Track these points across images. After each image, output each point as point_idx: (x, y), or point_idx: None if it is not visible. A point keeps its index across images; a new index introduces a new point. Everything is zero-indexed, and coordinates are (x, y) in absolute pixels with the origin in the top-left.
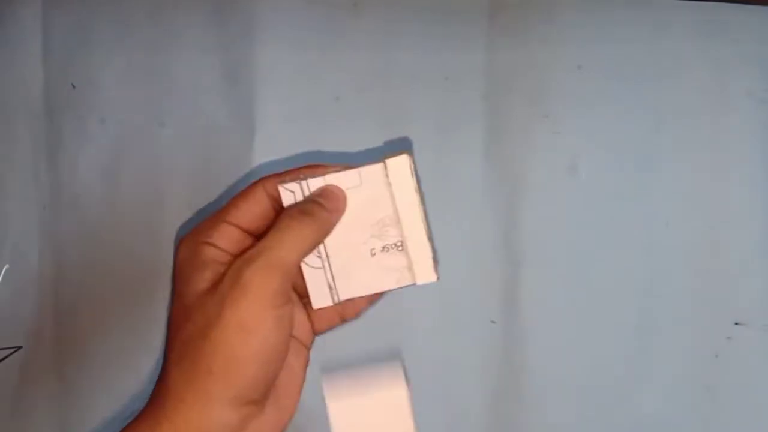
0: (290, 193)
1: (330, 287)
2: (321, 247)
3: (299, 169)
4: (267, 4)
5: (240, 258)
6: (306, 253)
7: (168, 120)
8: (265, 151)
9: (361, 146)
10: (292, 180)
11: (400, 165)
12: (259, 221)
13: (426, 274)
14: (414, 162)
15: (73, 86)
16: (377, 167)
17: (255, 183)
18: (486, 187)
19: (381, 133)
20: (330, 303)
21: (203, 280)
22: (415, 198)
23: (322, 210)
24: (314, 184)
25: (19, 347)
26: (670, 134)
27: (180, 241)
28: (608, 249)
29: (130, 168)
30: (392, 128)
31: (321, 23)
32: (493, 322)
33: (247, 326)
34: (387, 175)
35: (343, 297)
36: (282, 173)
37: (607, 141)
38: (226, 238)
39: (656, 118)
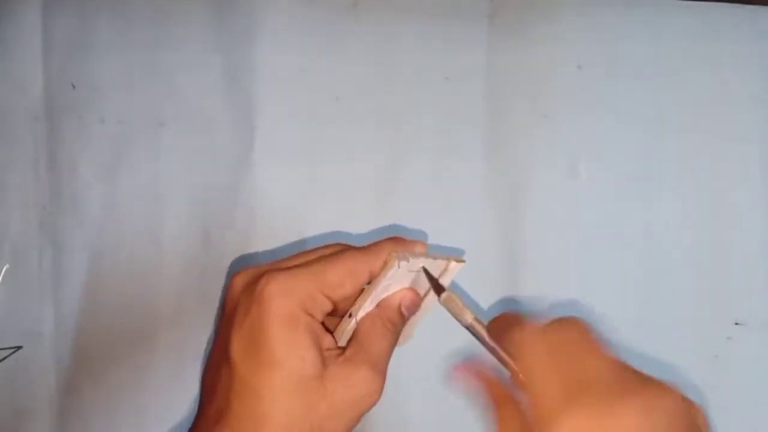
0: (398, 268)
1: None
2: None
3: (387, 242)
4: (267, 5)
5: (362, 363)
6: None
7: (168, 120)
8: (265, 151)
9: (361, 146)
10: (403, 258)
11: (455, 269)
12: (348, 296)
13: (403, 339)
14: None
15: (73, 86)
16: (443, 263)
17: (355, 258)
18: (486, 187)
19: (381, 133)
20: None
21: (314, 360)
22: (435, 302)
23: (402, 323)
24: (414, 263)
25: (19, 347)
26: (669, 134)
27: (275, 298)
28: (608, 249)
29: (130, 168)
30: (392, 128)
31: (321, 23)
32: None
33: (351, 426)
34: (444, 270)
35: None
36: (376, 249)
37: (607, 141)
38: (321, 311)
39: (656, 118)
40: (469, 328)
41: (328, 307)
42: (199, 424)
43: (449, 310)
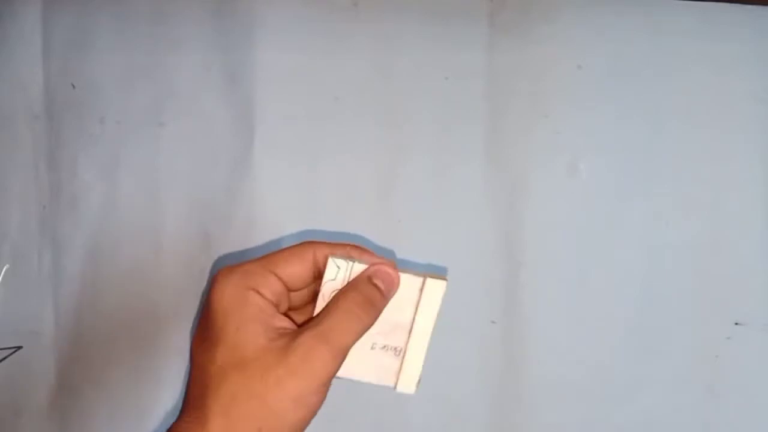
0: (336, 268)
1: None
2: None
3: (348, 246)
4: (267, 5)
5: (309, 333)
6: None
7: (168, 120)
8: (265, 151)
9: (361, 146)
10: (342, 256)
11: (436, 287)
12: (299, 280)
13: (408, 386)
14: (445, 291)
15: (73, 86)
16: (417, 279)
17: (306, 244)
18: (486, 187)
19: (381, 133)
20: None
21: (257, 333)
22: (432, 320)
23: (380, 296)
24: (358, 268)
25: (19, 347)
26: (670, 134)
27: (222, 280)
28: (608, 249)
29: (130, 168)
30: (392, 128)
31: (321, 23)
32: (493, 322)
33: (304, 401)
34: (421, 290)
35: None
36: (331, 244)
37: (607, 141)
38: (270, 289)
39: (656, 117)
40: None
41: (278, 285)
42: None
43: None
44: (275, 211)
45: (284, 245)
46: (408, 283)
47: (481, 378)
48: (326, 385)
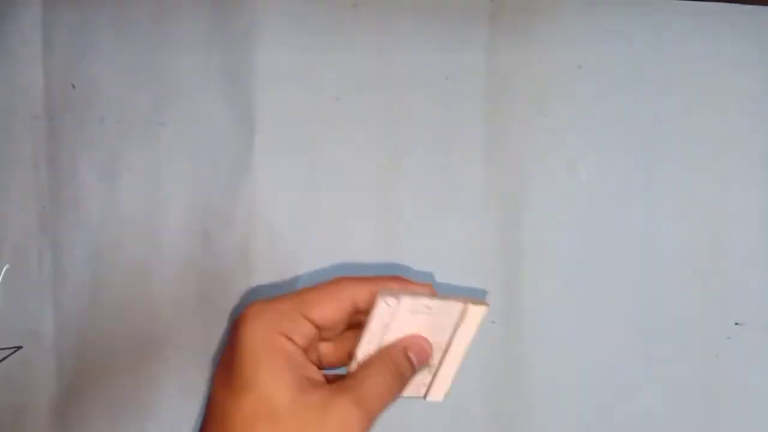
0: (386, 305)
1: None
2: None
3: (387, 279)
4: (267, 5)
5: (347, 398)
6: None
7: (168, 120)
8: (265, 151)
9: (361, 146)
10: (390, 292)
11: (477, 313)
12: (332, 323)
13: (436, 396)
14: (485, 315)
15: (73, 86)
16: (458, 305)
17: (341, 283)
18: (486, 186)
19: (381, 133)
20: None
21: (289, 385)
22: (469, 341)
23: (412, 371)
24: (406, 302)
25: (19, 347)
26: (669, 134)
27: (252, 320)
28: (608, 249)
29: (130, 168)
30: (392, 128)
31: (321, 23)
32: (493, 322)
33: None
34: (462, 314)
35: None
36: (368, 280)
37: (607, 141)
38: (301, 334)
39: (656, 118)
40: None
41: (310, 330)
42: None
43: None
44: (275, 211)
45: (284, 245)
46: (449, 309)
47: (482, 378)
48: None
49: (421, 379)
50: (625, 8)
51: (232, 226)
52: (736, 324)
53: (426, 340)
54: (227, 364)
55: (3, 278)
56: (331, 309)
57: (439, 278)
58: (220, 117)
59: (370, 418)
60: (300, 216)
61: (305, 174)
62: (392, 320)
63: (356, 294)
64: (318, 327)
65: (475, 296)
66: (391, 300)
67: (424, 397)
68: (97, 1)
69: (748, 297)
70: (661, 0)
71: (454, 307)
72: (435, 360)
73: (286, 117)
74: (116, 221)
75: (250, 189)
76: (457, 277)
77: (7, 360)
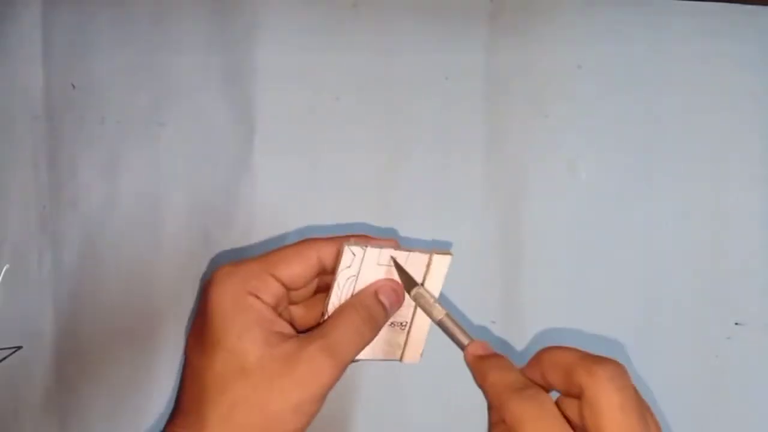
0: (352, 255)
1: None
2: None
3: (351, 236)
4: (267, 5)
5: (316, 345)
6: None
7: (168, 120)
8: (265, 151)
9: (361, 146)
10: (357, 243)
11: (442, 261)
12: (300, 280)
13: (413, 357)
14: (450, 263)
15: (73, 86)
16: (424, 256)
17: (307, 242)
18: (486, 186)
19: (381, 133)
20: None
21: (258, 340)
22: (437, 292)
23: (384, 314)
24: (372, 253)
25: (19, 347)
26: (669, 134)
27: (220, 282)
28: (608, 249)
29: (130, 168)
30: (392, 128)
31: (321, 23)
32: (493, 322)
33: (305, 409)
34: (428, 265)
35: None
36: (333, 239)
37: (607, 141)
38: (270, 293)
39: (656, 117)
40: (440, 324)
41: (278, 288)
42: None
43: (419, 306)
44: (275, 211)
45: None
46: (415, 260)
47: None
48: (326, 395)
49: (395, 339)
50: (625, 8)
51: (232, 226)
52: (736, 324)
53: (397, 282)
54: (199, 327)
55: (3, 278)
56: (297, 267)
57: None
58: (220, 117)
59: (341, 364)
60: (300, 216)
61: (305, 174)
62: (359, 273)
63: (322, 252)
64: (285, 286)
65: (440, 248)
66: (356, 249)
67: (401, 359)
68: (97, 1)
69: (748, 297)
70: (661, 0)
71: (419, 258)
72: (406, 316)
73: (286, 117)
74: (116, 221)
75: (250, 189)
76: (457, 277)
77: (7, 360)
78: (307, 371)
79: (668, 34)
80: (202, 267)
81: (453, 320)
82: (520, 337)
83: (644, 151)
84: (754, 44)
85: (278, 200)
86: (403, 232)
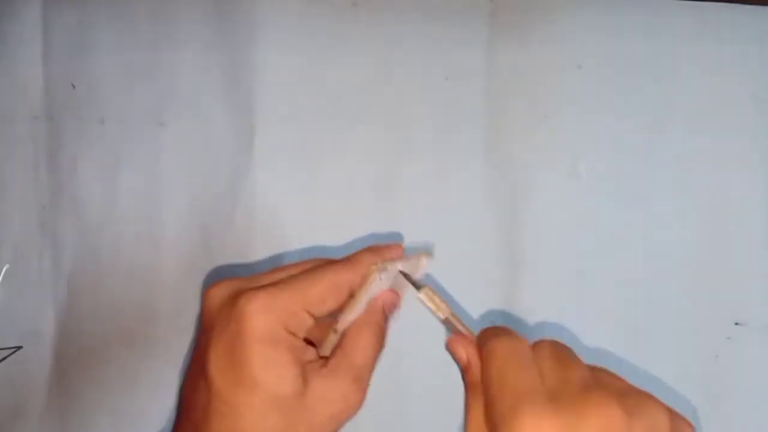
0: (379, 280)
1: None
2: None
3: (364, 252)
4: (267, 5)
5: (344, 377)
6: None
7: (168, 120)
8: (265, 152)
9: (361, 146)
10: (383, 269)
11: (424, 263)
12: (331, 311)
13: None
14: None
15: (73, 86)
16: (413, 261)
17: (338, 274)
18: (486, 187)
19: (381, 134)
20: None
21: (296, 379)
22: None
23: (387, 326)
24: (391, 271)
25: (19, 347)
26: (670, 134)
27: (256, 316)
28: (608, 249)
29: (130, 168)
30: (392, 128)
31: (321, 23)
32: (493, 322)
33: None
34: (415, 268)
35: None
36: (348, 261)
37: (607, 141)
38: (303, 328)
39: (656, 118)
40: (446, 323)
41: (310, 323)
42: None
43: (426, 305)
44: (275, 212)
45: (284, 244)
46: (408, 266)
47: None
48: None
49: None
50: (625, 8)
51: (232, 226)
52: (736, 324)
53: (395, 293)
54: (228, 356)
55: (3, 278)
56: (331, 304)
57: (440, 278)
58: (220, 117)
59: (366, 389)
60: (300, 216)
61: (305, 174)
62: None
63: (353, 282)
64: (315, 318)
65: (424, 250)
66: (384, 274)
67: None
68: (97, 1)
69: (748, 297)
70: (661, 0)
71: (413, 262)
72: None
73: (286, 117)
74: (116, 221)
75: (250, 189)
76: (457, 277)
77: (7, 360)
78: (341, 406)
79: (668, 34)
80: (202, 267)
81: (457, 318)
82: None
83: (644, 151)
84: (754, 44)
85: (278, 200)
86: (403, 232)
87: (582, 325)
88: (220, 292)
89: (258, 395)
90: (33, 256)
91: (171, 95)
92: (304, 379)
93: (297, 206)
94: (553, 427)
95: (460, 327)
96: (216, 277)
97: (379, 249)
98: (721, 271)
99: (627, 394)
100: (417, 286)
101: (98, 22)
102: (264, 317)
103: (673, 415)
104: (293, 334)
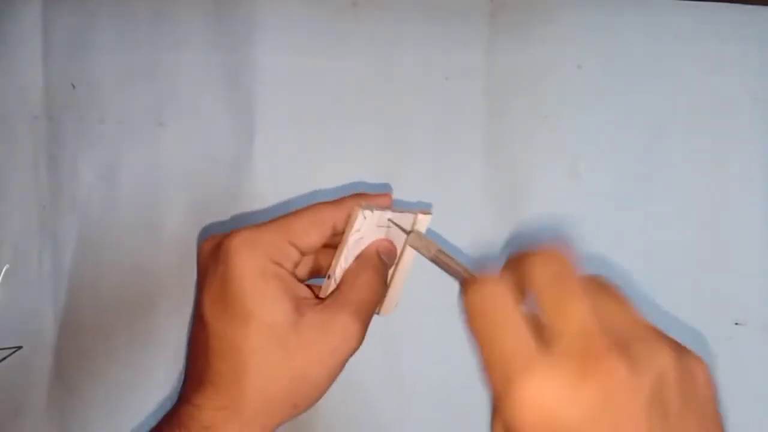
0: (363, 219)
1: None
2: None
3: (353, 197)
4: (267, 5)
5: (345, 312)
6: None
7: (168, 120)
8: (265, 151)
9: (361, 146)
10: (368, 207)
11: (423, 221)
12: (316, 246)
13: (388, 310)
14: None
15: (73, 86)
16: (410, 217)
17: (320, 209)
18: (486, 187)
19: (381, 134)
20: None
21: (290, 310)
22: (414, 252)
23: (386, 272)
24: (377, 216)
25: (19, 347)
26: (669, 134)
27: (245, 254)
28: (608, 249)
29: (130, 168)
30: (392, 128)
31: (321, 24)
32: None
33: (336, 373)
34: (413, 225)
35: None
36: (338, 203)
37: (607, 141)
38: (291, 261)
39: (656, 118)
40: (434, 260)
41: (296, 256)
42: (185, 387)
43: (415, 247)
44: (275, 212)
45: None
46: (403, 221)
47: (482, 378)
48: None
49: None
50: (625, 8)
51: (232, 225)
52: (736, 324)
53: (389, 240)
54: (220, 296)
55: (3, 278)
56: (315, 236)
57: (440, 278)
58: (220, 117)
59: (366, 326)
60: None
61: (305, 174)
62: (362, 234)
63: (336, 219)
64: (302, 252)
65: (423, 207)
66: (368, 213)
67: (378, 313)
68: (97, 1)
69: (748, 297)
70: (661, 0)
71: (407, 218)
72: (388, 274)
73: (286, 117)
74: (116, 221)
75: (250, 189)
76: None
77: (7, 360)
78: (341, 338)
79: (668, 34)
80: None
81: (446, 254)
82: None
83: (644, 151)
84: (754, 44)
85: (278, 200)
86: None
87: None
88: (208, 243)
89: (253, 327)
90: (33, 256)
91: (171, 95)
92: (298, 310)
93: (297, 206)
94: (552, 395)
95: (451, 263)
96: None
97: (366, 195)
98: (721, 271)
99: (631, 339)
100: (405, 231)
101: (98, 22)
102: (249, 251)
103: (681, 356)
104: (279, 264)
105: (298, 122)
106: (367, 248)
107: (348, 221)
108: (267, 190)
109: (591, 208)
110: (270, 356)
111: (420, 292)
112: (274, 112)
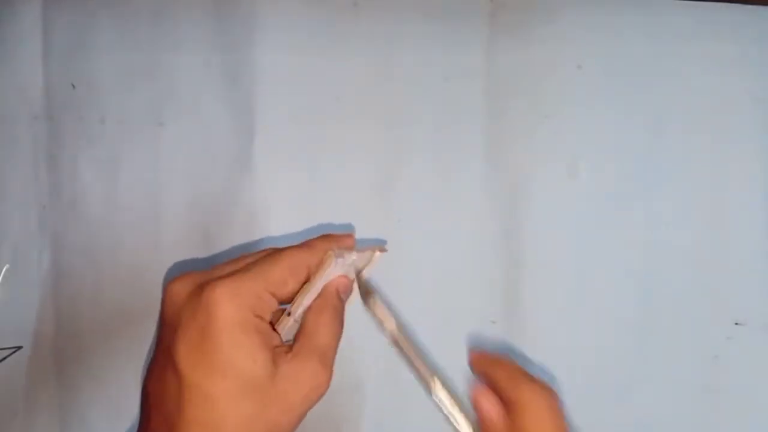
0: (334, 266)
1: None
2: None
3: (316, 241)
4: (267, 5)
5: (313, 360)
6: None
7: (168, 120)
8: (265, 151)
9: (361, 146)
10: (339, 253)
11: (377, 258)
12: (292, 296)
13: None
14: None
15: (73, 86)
16: (368, 255)
17: (296, 257)
18: (486, 187)
19: (381, 133)
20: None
21: (267, 362)
22: (323, 282)
23: (344, 309)
24: (347, 259)
25: (19, 347)
26: (670, 134)
27: (224, 302)
28: (608, 249)
29: (130, 168)
30: (392, 128)
31: (321, 23)
32: (493, 322)
33: (304, 416)
34: (368, 262)
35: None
36: (305, 247)
37: (607, 141)
38: (269, 312)
39: (656, 118)
40: (391, 340)
41: (275, 305)
42: (147, 429)
43: (373, 316)
44: (275, 212)
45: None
46: (362, 258)
47: None
48: None
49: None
50: (625, 8)
51: (232, 226)
52: (736, 324)
53: (348, 278)
54: (197, 345)
55: (3, 278)
56: (292, 284)
57: (440, 278)
58: (220, 117)
59: (331, 370)
60: (300, 216)
61: (305, 174)
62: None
63: (310, 264)
64: (280, 301)
65: (377, 244)
66: (340, 259)
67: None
68: (97, 1)
69: (748, 297)
70: (661, 0)
71: (367, 255)
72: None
73: (286, 117)
74: (116, 221)
75: (250, 189)
76: (457, 277)
77: (7, 360)
78: (311, 386)
79: (668, 34)
80: (202, 267)
81: (403, 334)
82: (521, 337)
83: (644, 152)
84: (754, 44)
85: (278, 200)
86: (403, 232)
87: (582, 325)
88: (181, 287)
89: (231, 380)
90: (33, 256)
91: (171, 95)
92: (275, 362)
93: (297, 205)
94: None
95: (403, 345)
96: (174, 273)
97: (333, 236)
98: (721, 271)
99: None
100: (367, 293)
101: (98, 22)
102: (232, 304)
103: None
104: (260, 317)
105: (298, 122)
106: (327, 288)
107: (319, 265)
108: (267, 190)
109: (591, 208)
110: (248, 408)
111: (419, 293)
112: (274, 111)
